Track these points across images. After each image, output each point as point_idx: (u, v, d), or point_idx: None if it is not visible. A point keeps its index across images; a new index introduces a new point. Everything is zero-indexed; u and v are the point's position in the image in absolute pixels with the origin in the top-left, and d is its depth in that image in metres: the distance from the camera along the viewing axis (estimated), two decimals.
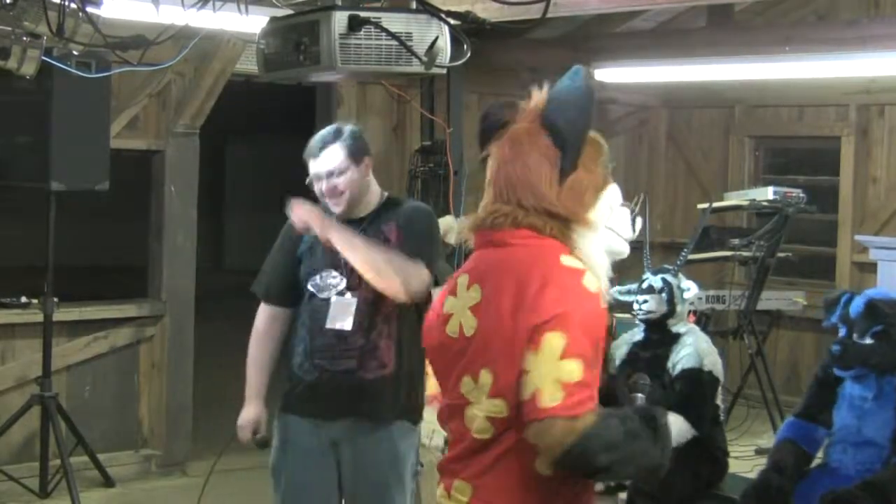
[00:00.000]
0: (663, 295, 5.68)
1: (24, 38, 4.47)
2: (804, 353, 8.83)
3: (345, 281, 4.22)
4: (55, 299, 6.49)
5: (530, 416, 2.66)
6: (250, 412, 4.43)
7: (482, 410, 2.76)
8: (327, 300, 4.24)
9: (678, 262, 5.95)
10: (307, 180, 4.33)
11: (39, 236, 6.54)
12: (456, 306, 2.86)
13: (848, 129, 8.73)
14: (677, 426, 5.49)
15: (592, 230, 2.86)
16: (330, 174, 4.22)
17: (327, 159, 4.23)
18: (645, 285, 5.74)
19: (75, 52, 5.74)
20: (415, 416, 4.40)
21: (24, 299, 6.71)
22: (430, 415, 5.80)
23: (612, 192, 3.02)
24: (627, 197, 8.28)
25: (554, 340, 2.67)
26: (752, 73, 7.44)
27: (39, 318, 6.51)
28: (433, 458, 5.72)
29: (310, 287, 4.28)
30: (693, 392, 5.50)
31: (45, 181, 6.20)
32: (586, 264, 2.80)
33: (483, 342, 2.78)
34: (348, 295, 4.21)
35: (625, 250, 3.08)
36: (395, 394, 4.27)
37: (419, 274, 4.10)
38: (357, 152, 4.25)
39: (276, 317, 4.41)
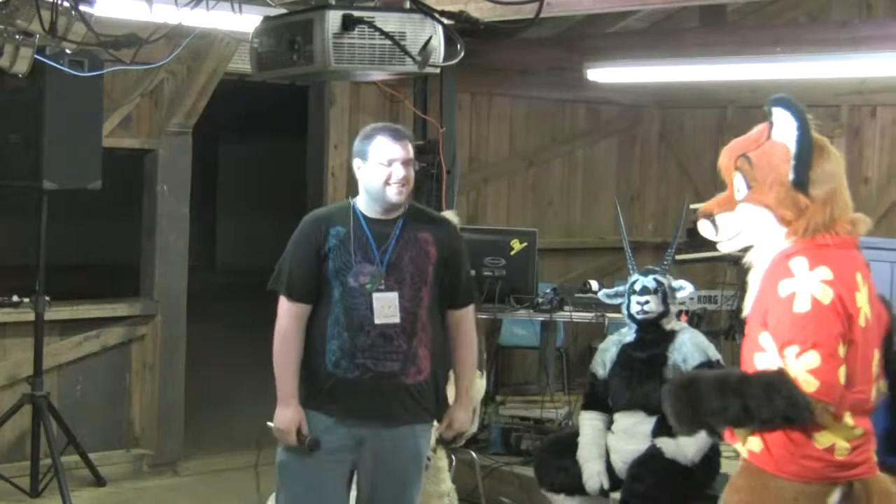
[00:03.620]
0: (658, 295, 5.69)
1: (17, 37, 4.47)
2: None
3: (383, 277, 4.28)
4: (47, 298, 6.48)
5: None
6: (290, 414, 4.35)
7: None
8: (367, 296, 4.26)
9: (665, 262, 5.96)
10: (361, 165, 4.35)
11: (31, 235, 6.53)
12: (861, 300, 3.42)
13: (840, 130, 8.74)
14: None
15: None
16: (406, 163, 4.33)
17: (405, 148, 4.35)
18: (638, 287, 5.73)
19: (68, 51, 5.73)
20: (436, 417, 4.53)
21: (15, 298, 6.68)
22: None
23: None
24: (618, 198, 8.22)
25: None
26: (744, 73, 7.44)
27: (31, 316, 6.50)
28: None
29: (349, 282, 4.28)
30: None
31: (38, 180, 6.19)
32: None
33: (878, 329, 3.52)
34: (390, 292, 4.27)
35: None
36: (427, 398, 4.40)
37: (474, 328, 4.64)
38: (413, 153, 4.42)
39: (300, 315, 4.37)
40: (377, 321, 4.24)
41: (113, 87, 6.83)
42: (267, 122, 14.90)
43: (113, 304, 7.30)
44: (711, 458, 5.66)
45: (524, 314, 7.19)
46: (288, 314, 4.39)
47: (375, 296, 4.26)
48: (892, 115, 8.52)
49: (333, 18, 3.62)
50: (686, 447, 5.47)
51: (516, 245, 7.05)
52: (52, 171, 6.21)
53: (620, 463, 5.59)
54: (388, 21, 3.67)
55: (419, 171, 7.51)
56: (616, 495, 5.57)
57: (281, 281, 4.41)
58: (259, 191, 16.87)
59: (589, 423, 5.80)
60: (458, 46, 3.74)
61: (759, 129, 3.60)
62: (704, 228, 3.63)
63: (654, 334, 5.70)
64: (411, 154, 4.35)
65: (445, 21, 3.77)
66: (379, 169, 4.30)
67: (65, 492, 6.24)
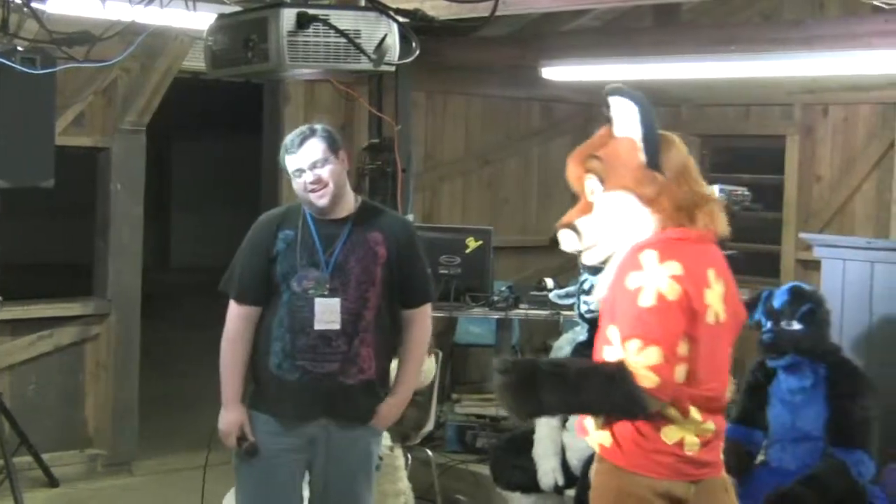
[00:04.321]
0: None
1: None
2: (749, 351, 8.87)
3: (328, 283, 4.24)
4: None
5: None
6: (233, 416, 4.36)
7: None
8: (310, 300, 4.24)
9: None
10: (295, 176, 4.32)
11: None
12: (711, 297, 3.38)
13: (793, 129, 8.81)
14: None
15: None
16: (313, 165, 4.25)
17: (308, 152, 4.26)
18: (587, 286, 5.77)
19: (20, 48, 5.68)
20: None
21: None
22: None
23: None
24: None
25: None
26: (698, 72, 7.48)
27: None
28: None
29: (293, 286, 4.27)
30: None
31: None
32: None
33: (733, 327, 3.48)
34: (332, 298, 4.24)
35: None
36: (372, 397, 4.36)
37: (428, 327, 4.53)
38: (333, 144, 4.31)
39: (249, 317, 4.36)
40: (317, 326, 4.23)
41: (66, 85, 6.77)
42: (222, 120, 14.84)
43: (66, 304, 7.24)
44: None
45: (480, 312, 7.20)
46: (236, 316, 4.38)
47: (318, 301, 4.24)
48: (843, 113, 8.59)
49: (288, 16, 3.62)
50: None
51: (472, 243, 7.07)
52: (3, 170, 6.14)
53: (575, 460, 5.60)
54: (343, 19, 3.68)
55: (375, 169, 7.54)
56: (571, 492, 5.60)
57: (231, 283, 4.40)
58: (214, 189, 16.81)
59: (545, 420, 5.81)
60: (414, 45, 3.75)
61: (600, 131, 3.59)
62: (566, 238, 3.59)
63: None
64: (319, 153, 4.25)
65: (401, 19, 3.78)
66: (294, 182, 4.30)
67: (17, 493, 6.19)
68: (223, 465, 4.96)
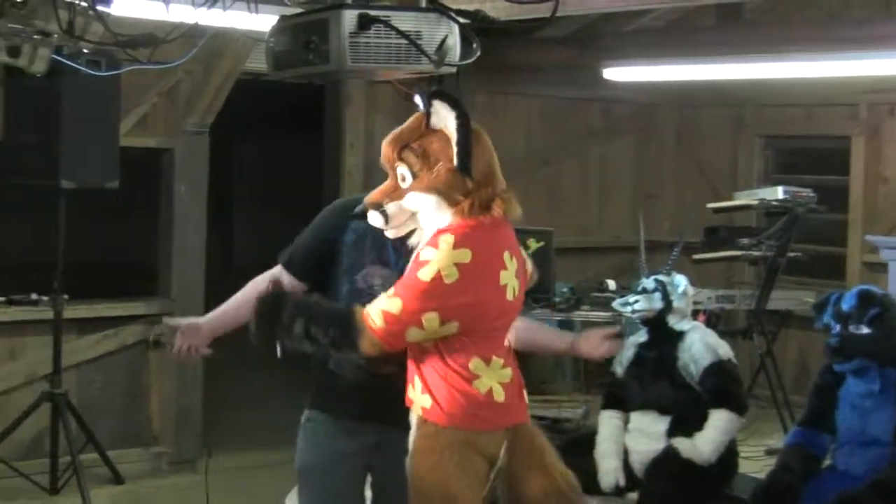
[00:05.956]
0: (656, 294, 5.71)
1: (35, 37, 4.49)
2: (813, 353, 8.80)
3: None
4: (65, 296, 6.51)
5: None
6: (189, 320, 4.50)
7: None
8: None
9: (669, 261, 5.99)
10: None
11: (49, 233, 6.56)
12: (507, 276, 3.60)
13: (858, 129, 8.72)
14: (726, 419, 5.53)
15: None
16: None
17: None
18: (639, 289, 5.80)
19: (85, 51, 5.76)
20: None
21: (34, 296, 6.72)
22: None
23: None
24: (634, 197, 8.24)
25: None
26: (761, 72, 7.43)
27: (49, 315, 6.53)
28: None
29: (357, 281, 4.24)
30: (727, 384, 5.58)
31: (56, 179, 6.22)
32: None
33: (521, 301, 3.73)
34: None
35: None
36: None
37: None
38: None
39: (284, 282, 4.19)
40: None
41: (130, 87, 6.84)
42: (284, 122, 14.92)
43: (130, 303, 7.32)
44: (728, 458, 5.66)
45: (541, 314, 7.17)
46: (273, 272, 4.29)
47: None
48: None
49: (349, 18, 3.62)
50: (702, 447, 5.47)
51: (533, 244, 7.05)
52: (70, 171, 6.23)
53: (638, 464, 5.59)
54: (404, 20, 3.68)
55: None
56: (634, 496, 5.57)
57: (284, 252, 4.37)
58: (276, 190, 16.89)
59: (608, 420, 5.81)
60: (474, 45, 3.75)
61: (414, 119, 3.70)
62: (374, 219, 3.74)
63: (661, 333, 5.73)
64: None
65: (461, 20, 3.78)
66: None
67: (83, 489, 6.27)
68: (287, 464, 4.99)
